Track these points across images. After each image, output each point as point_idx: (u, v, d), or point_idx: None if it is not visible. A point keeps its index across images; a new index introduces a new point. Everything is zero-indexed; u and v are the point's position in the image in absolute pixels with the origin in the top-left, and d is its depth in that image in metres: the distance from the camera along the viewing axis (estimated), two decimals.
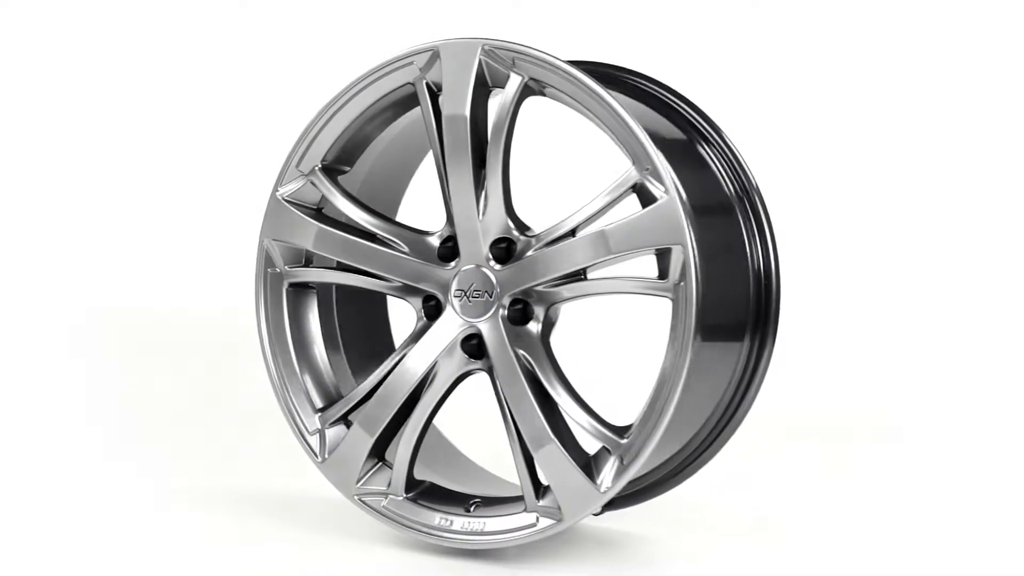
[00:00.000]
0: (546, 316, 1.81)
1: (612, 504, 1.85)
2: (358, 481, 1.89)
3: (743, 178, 1.89)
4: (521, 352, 1.80)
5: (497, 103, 1.80)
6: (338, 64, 2.98)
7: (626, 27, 3.03)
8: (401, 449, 1.87)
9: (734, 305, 1.85)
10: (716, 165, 1.88)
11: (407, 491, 1.87)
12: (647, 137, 1.70)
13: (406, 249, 1.89)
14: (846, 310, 2.95)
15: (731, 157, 1.90)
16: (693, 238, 1.69)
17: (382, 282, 1.90)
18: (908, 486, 2.17)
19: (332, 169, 1.95)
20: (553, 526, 1.77)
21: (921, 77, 3.08)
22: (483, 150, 1.81)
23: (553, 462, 1.76)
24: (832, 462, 2.30)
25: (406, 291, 1.90)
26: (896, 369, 2.78)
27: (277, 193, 1.94)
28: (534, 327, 1.81)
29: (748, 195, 1.88)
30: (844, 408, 2.61)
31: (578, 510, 1.76)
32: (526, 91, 1.79)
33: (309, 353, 2.00)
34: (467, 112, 1.80)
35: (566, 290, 1.79)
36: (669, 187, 1.69)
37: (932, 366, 2.77)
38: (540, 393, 1.79)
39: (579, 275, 1.78)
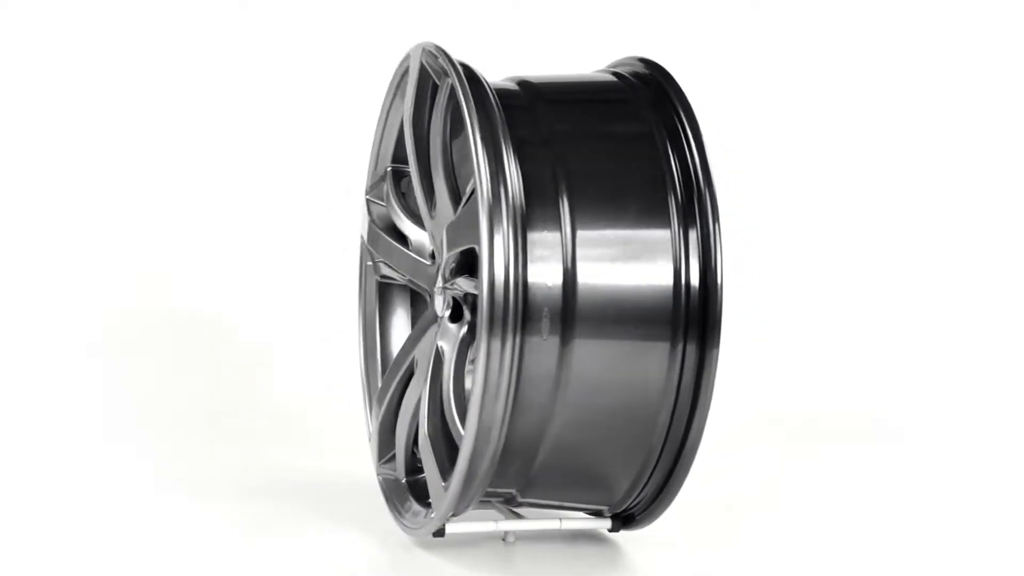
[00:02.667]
0: (473, 316, 1.79)
1: (628, 523, 1.84)
2: (380, 460, 1.95)
3: (693, 175, 1.74)
4: (441, 345, 1.80)
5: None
6: (340, 65, 2.99)
7: (625, 27, 3.03)
8: (397, 434, 1.91)
9: (645, 311, 1.71)
10: (671, 162, 1.75)
11: (407, 475, 1.90)
12: (474, 132, 1.67)
13: (413, 247, 1.94)
14: (841, 311, 2.95)
15: (690, 154, 1.75)
16: (494, 238, 1.63)
17: (403, 277, 1.98)
18: (902, 488, 2.17)
19: (402, 172, 2.00)
20: (427, 522, 1.79)
21: (918, 77, 3.09)
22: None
23: (425, 455, 1.78)
24: (826, 463, 2.30)
25: (415, 285, 1.96)
26: (891, 370, 2.78)
27: (366, 194, 2.04)
28: (457, 326, 1.81)
29: (696, 193, 1.73)
30: (836, 410, 2.61)
31: (437, 506, 1.76)
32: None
33: (390, 341, 2.07)
34: (410, 115, 1.85)
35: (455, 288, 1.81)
36: (480, 186, 1.65)
37: (925, 367, 2.77)
38: (436, 389, 1.80)
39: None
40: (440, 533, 1.80)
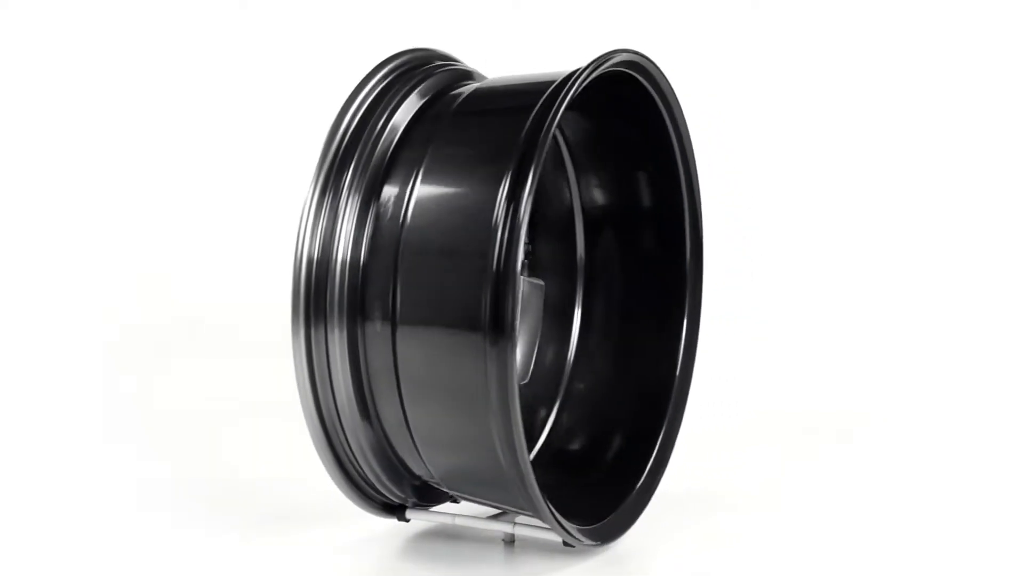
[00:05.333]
0: None
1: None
2: None
3: (516, 177, 1.63)
4: None
5: None
6: (340, 65, 2.99)
7: (625, 27, 3.03)
8: None
9: (458, 308, 1.64)
10: (508, 166, 1.65)
11: None
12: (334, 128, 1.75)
13: None
14: (842, 310, 2.95)
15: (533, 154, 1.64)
16: (305, 231, 1.71)
17: None
18: (904, 487, 2.17)
19: None
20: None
21: (918, 78, 3.09)
22: None
23: None
24: (827, 463, 2.30)
25: None
26: (891, 370, 2.78)
27: None
28: None
29: (515, 194, 1.63)
30: (837, 410, 2.61)
31: None
32: None
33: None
34: None
35: None
36: (315, 176, 1.73)
37: (927, 367, 2.77)
38: None
39: None
40: (403, 519, 1.85)
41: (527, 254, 2.06)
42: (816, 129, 3.08)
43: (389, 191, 1.73)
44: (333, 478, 1.80)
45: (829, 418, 2.52)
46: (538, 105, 1.67)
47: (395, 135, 1.77)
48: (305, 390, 1.74)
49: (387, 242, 1.70)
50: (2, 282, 2.87)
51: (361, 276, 1.71)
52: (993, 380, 2.69)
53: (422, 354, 1.67)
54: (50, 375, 2.68)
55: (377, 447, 1.77)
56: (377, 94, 1.80)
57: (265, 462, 2.26)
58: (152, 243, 2.96)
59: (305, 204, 1.73)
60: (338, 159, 1.75)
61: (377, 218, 1.72)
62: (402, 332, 1.68)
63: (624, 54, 1.77)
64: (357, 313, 1.71)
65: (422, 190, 1.70)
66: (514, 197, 1.61)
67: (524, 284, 2.05)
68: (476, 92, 1.81)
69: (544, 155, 1.62)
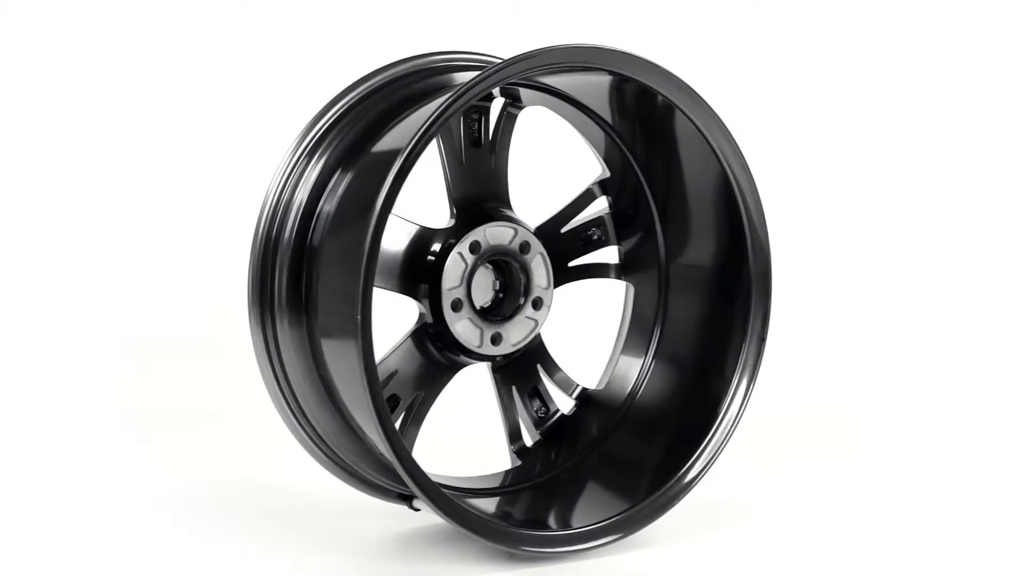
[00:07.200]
0: None
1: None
2: None
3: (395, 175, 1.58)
4: None
5: None
6: (340, 66, 2.99)
7: (625, 28, 3.03)
8: None
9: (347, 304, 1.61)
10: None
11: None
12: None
13: None
14: (842, 310, 2.95)
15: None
16: (263, 228, 1.73)
17: None
18: (904, 488, 2.17)
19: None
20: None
21: (918, 79, 3.09)
22: None
23: None
24: (826, 463, 2.30)
25: None
26: (891, 372, 2.78)
27: None
28: None
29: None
30: (836, 410, 2.61)
31: None
32: None
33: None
34: None
35: None
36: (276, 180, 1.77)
37: (928, 369, 2.77)
38: None
39: None
40: (412, 508, 1.87)
41: (621, 255, 2.03)
42: (815, 130, 3.08)
43: (337, 179, 1.74)
44: (316, 459, 1.82)
45: (829, 418, 2.53)
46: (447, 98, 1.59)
47: (365, 127, 1.78)
48: (267, 372, 1.76)
49: (321, 230, 1.72)
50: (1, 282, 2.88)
51: (306, 264, 1.72)
52: (993, 380, 2.70)
53: (335, 351, 1.68)
54: (47, 375, 2.68)
55: (343, 434, 1.77)
56: (372, 90, 1.82)
57: (265, 459, 2.26)
58: (149, 242, 2.96)
59: (272, 181, 1.75)
60: (315, 140, 1.78)
61: (325, 204, 1.73)
62: (316, 331, 1.70)
63: (552, 53, 1.66)
64: (301, 303, 1.72)
65: (348, 184, 1.71)
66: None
67: (624, 287, 2.05)
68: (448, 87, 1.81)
69: (411, 161, 1.55)
